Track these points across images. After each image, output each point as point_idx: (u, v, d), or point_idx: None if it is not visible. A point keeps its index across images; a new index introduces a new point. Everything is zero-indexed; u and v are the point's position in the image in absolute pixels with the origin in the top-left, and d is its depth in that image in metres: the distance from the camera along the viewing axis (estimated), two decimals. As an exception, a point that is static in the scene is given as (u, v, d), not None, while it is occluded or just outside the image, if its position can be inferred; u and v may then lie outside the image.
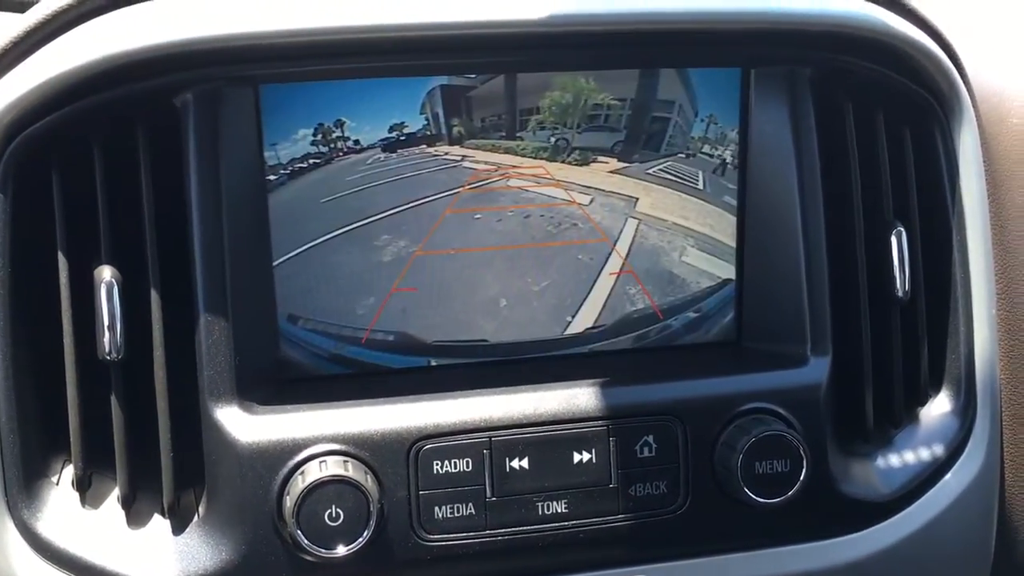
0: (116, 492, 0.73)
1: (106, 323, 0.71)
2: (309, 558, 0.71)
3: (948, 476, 0.84)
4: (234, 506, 0.72)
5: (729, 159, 0.84)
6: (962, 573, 0.86)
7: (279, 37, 0.71)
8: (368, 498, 0.70)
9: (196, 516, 0.74)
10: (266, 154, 0.76)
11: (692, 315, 0.85)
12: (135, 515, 0.74)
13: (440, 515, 0.74)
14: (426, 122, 0.78)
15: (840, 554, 0.82)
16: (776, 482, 0.76)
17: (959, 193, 0.85)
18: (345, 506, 0.70)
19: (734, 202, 0.85)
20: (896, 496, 0.83)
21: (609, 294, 0.83)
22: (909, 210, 0.85)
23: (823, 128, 0.82)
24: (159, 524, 0.74)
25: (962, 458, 0.84)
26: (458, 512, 0.74)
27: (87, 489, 0.74)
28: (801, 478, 0.76)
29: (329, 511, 0.70)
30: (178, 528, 0.73)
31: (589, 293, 0.83)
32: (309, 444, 0.72)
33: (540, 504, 0.76)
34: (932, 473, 0.84)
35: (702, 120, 0.83)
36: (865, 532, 0.82)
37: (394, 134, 0.78)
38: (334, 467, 0.71)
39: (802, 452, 0.76)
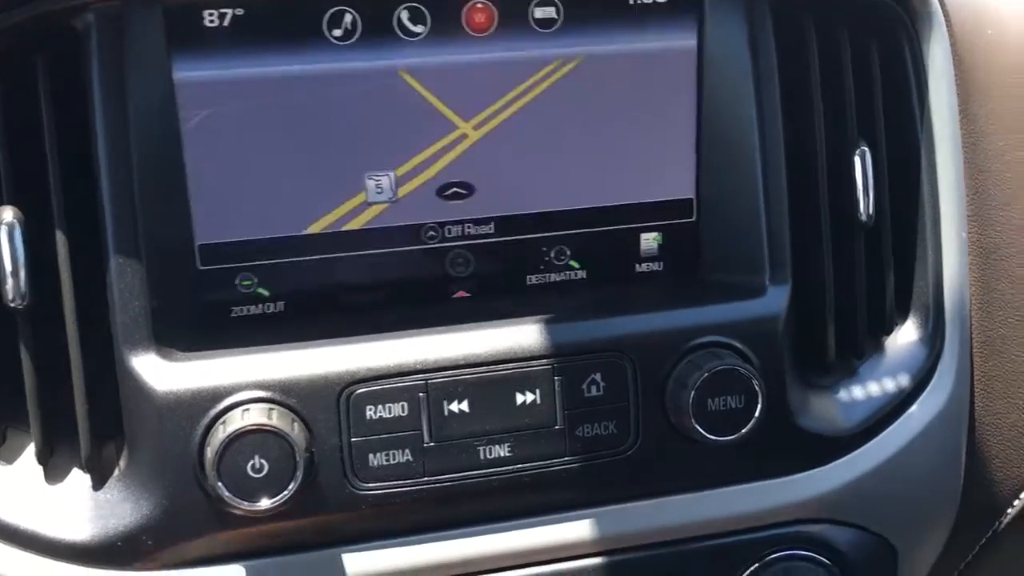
0: (31, 447, 0.70)
1: (8, 268, 0.67)
2: (233, 511, 0.67)
3: (914, 408, 0.81)
4: (154, 459, 0.68)
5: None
6: (929, 509, 0.83)
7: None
8: (294, 448, 0.66)
9: (117, 470, 0.70)
10: (176, 77, 0.70)
11: (644, 244, 0.81)
12: (52, 470, 0.70)
13: (375, 462, 0.70)
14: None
15: (800, 491, 0.79)
16: (730, 419, 0.73)
17: (928, 109, 0.81)
18: (269, 456, 0.66)
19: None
20: (858, 430, 0.79)
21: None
22: (875, 129, 0.80)
23: (783, 43, 0.77)
24: (78, 479, 0.70)
25: (928, 388, 0.81)
26: (394, 459, 0.70)
27: (0, 445, 0.70)
28: (756, 414, 0.73)
29: (252, 462, 0.66)
30: (98, 483, 0.70)
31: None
32: (232, 392, 0.68)
33: (481, 448, 0.72)
34: (897, 405, 0.80)
35: (652, 36, 0.77)
36: (825, 468, 0.79)
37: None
38: (257, 415, 0.67)
39: (757, 387, 0.72)
